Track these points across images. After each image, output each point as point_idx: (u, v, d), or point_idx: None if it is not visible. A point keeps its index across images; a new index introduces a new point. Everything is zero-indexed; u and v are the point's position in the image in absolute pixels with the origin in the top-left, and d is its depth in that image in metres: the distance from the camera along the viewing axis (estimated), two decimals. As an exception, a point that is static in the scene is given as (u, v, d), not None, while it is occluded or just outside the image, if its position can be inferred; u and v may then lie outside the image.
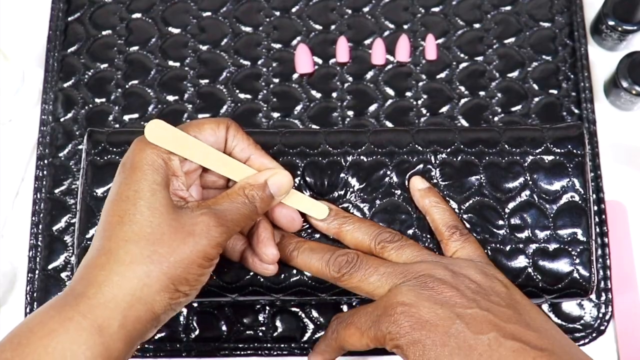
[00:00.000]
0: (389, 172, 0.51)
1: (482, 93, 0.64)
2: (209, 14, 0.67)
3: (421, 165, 0.51)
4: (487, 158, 0.51)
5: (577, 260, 0.50)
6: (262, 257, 0.47)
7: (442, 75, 0.65)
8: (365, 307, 0.45)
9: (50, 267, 0.60)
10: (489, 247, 0.50)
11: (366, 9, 0.67)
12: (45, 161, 0.63)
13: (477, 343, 0.41)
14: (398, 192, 0.51)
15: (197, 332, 0.59)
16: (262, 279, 0.50)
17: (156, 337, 0.59)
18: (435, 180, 0.51)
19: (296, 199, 0.48)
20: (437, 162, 0.51)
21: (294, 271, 0.50)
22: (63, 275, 0.60)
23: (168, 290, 0.41)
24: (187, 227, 0.41)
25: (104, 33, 0.67)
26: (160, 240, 0.41)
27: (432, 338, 0.42)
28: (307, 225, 0.50)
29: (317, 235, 0.50)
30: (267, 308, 0.59)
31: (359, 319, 0.45)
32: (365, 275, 0.46)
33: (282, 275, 0.50)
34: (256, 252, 0.47)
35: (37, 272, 0.60)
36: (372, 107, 0.64)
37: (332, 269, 0.47)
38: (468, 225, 0.50)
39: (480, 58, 0.65)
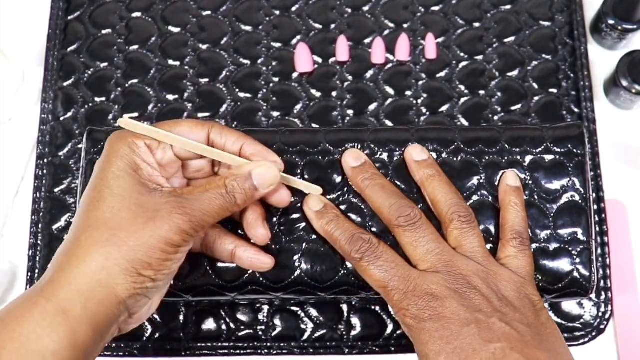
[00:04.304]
0: (389, 172, 0.51)
1: (482, 92, 0.64)
2: (208, 12, 0.67)
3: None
4: (487, 158, 0.51)
5: (577, 260, 0.50)
6: (253, 239, 0.48)
7: (442, 74, 0.65)
8: (401, 268, 0.46)
9: (50, 266, 0.60)
10: (488, 247, 0.50)
11: (366, 8, 0.67)
12: (45, 160, 0.63)
13: (482, 349, 0.42)
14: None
15: (196, 332, 0.59)
16: (261, 278, 0.50)
17: (155, 337, 0.59)
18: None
19: (290, 182, 0.49)
20: (438, 161, 0.51)
21: (294, 269, 0.50)
22: (63, 274, 0.60)
23: (130, 274, 0.41)
24: (150, 212, 0.42)
25: (103, 32, 0.67)
26: (119, 224, 0.41)
27: (442, 333, 0.43)
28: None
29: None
30: (267, 307, 0.59)
31: (392, 276, 0.45)
32: (418, 241, 0.47)
33: (282, 274, 0.50)
34: (249, 236, 0.48)
35: (36, 271, 0.60)
36: (372, 106, 0.64)
37: (394, 215, 0.47)
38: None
39: (480, 57, 0.65)
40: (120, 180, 0.43)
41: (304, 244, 0.50)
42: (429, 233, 0.47)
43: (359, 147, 0.51)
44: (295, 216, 0.50)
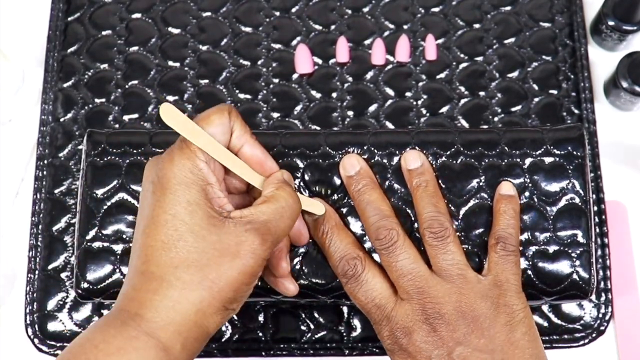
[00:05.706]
0: (389, 175, 0.51)
1: (482, 93, 0.64)
2: (208, 14, 0.67)
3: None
4: (486, 160, 0.51)
5: (577, 263, 0.50)
6: (274, 269, 0.48)
7: (442, 75, 0.65)
8: (379, 298, 0.47)
9: (50, 267, 0.60)
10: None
11: (366, 9, 0.67)
12: (45, 161, 0.63)
13: None
14: (398, 194, 0.51)
15: (197, 333, 0.59)
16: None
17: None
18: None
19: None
20: (437, 164, 0.51)
21: (294, 271, 0.50)
22: (63, 275, 0.60)
23: (220, 312, 0.42)
24: (232, 247, 0.41)
25: (103, 33, 0.67)
26: (207, 265, 0.41)
27: None
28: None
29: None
30: (268, 308, 0.59)
31: (371, 304, 0.47)
32: (392, 265, 0.47)
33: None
34: (270, 264, 0.47)
35: (36, 272, 0.60)
36: (372, 108, 0.64)
37: (372, 237, 0.48)
38: (466, 228, 0.50)
39: (480, 58, 0.65)
40: (195, 216, 0.41)
41: (304, 246, 0.50)
42: (405, 257, 0.47)
43: (359, 150, 0.51)
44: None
